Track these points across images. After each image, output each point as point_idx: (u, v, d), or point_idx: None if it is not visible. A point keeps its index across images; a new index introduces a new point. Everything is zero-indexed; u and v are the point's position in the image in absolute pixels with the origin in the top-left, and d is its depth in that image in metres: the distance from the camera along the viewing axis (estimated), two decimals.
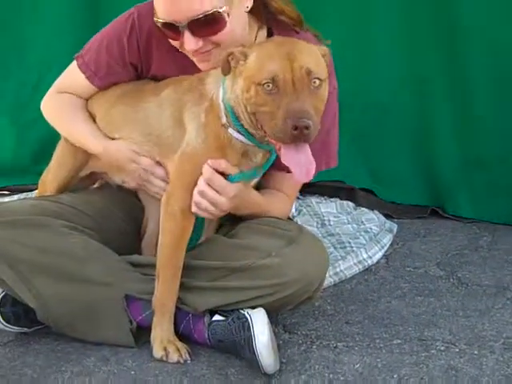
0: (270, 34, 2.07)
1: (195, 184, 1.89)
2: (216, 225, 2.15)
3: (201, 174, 1.88)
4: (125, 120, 2.10)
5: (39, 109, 2.23)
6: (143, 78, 2.16)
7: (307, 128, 1.68)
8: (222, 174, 1.89)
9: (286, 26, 2.04)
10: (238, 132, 1.87)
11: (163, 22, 1.92)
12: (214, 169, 1.87)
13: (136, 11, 2.09)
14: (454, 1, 2.92)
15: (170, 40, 1.99)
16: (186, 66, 2.02)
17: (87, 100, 2.20)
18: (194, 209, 1.90)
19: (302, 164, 1.77)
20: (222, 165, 1.88)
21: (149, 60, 2.11)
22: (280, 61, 1.73)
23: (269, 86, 1.73)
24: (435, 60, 3.01)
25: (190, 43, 1.92)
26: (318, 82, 1.74)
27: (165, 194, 1.95)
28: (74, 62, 2.17)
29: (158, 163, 2.03)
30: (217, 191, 1.88)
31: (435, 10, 2.95)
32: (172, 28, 1.92)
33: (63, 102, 2.19)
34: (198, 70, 2.01)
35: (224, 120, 1.88)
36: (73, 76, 2.18)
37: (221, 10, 1.88)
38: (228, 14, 1.90)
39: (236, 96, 1.83)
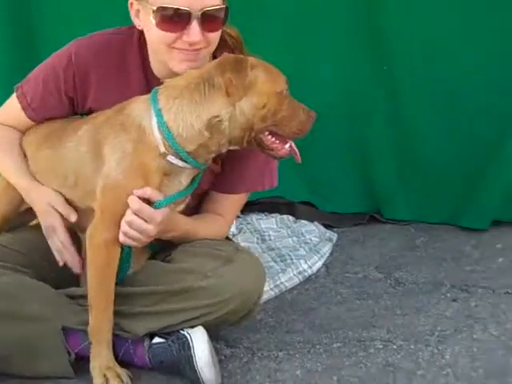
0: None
1: (119, 214, 1.90)
2: (149, 253, 2.17)
3: (123, 203, 1.88)
4: (47, 166, 2.10)
5: None
6: (79, 111, 2.16)
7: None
8: (148, 200, 1.91)
9: (227, 48, 2.08)
10: (179, 158, 1.89)
11: (175, 8, 1.89)
12: (139, 197, 1.89)
13: (74, 45, 2.11)
14: (381, 13, 3.01)
15: (165, 34, 1.93)
16: (128, 95, 2.01)
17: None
18: (121, 238, 1.91)
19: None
20: (148, 192, 1.89)
21: (85, 92, 2.11)
22: (275, 69, 1.92)
23: (287, 90, 1.91)
24: (365, 66, 3.08)
25: (195, 34, 1.91)
26: None
27: (89, 227, 1.95)
28: (14, 93, 2.17)
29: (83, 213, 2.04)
30: (144, 220, 1.90)
31: (363, 21, 3.03)
32: (180, 16, 1.90)
33: (1, 138, 2.19)
34: None
35: (162, 149, 1.88)
36: (10, 106, 2.19)
37: (225, 7, 1.96)
38: (225, 18, 1.98)
39: (233, 117, 1.85)
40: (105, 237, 1.92)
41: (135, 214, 1.89)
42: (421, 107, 3.09)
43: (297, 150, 1.98)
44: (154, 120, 1.89)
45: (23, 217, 2.28)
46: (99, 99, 2.11)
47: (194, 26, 1.91)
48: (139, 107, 1.93)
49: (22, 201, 2.19)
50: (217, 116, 1.86)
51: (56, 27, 3.01)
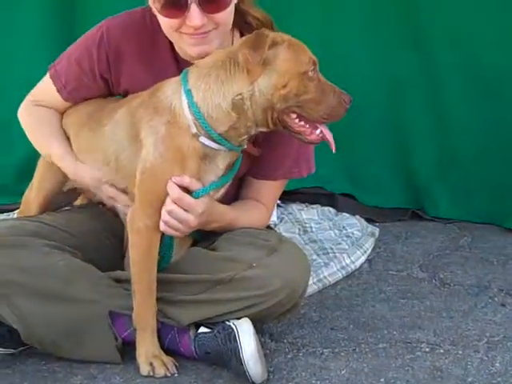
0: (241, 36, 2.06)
1: (158, 199, 1.88)
2: (191, 241, 2.15)
3: (161, 188, 1.87)
4: (88, 147, 2.09)
5: (21, 128, 2.22)
6: (114, 91, 2.14)
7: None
8: (186, 189, 1.89)
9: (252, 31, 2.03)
10: (212, 140, 1.87)
11: None
12: (178, 185, 1.87)
13: (105, 24, 2.09)
14: (420, 2, 2.95)
15: (168, 20, 1.92)
16: (160, 76, 1.99)
17: (63, 114, 2.20)
18: (162, 227, 1.90)
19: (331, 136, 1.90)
20: (186, 180, 1.87)
21: (118, 73, 2.10)
22: (307, 49, 1.84)
23: (313, 72, 1.82)
24: (406, 60, 3.03)
25: (196, 18, 1.88)
26: None
27: (130, 212, 1.94)
28: (48, 73, 2.16)
29: (124, 191, 2.02)
30: (185, 209, 1.88)
31: (402, 8, 2.98)
32: (178, 2, 1.88)
33: (39, 117, 2.18)
34: None
35: (194, 129, 1.86)
36: (46, 87, 2.17)
37: None
38: None
39: (254, 96, 1.80)
40: (145, 222, 1.91)
41: (175, 204, 1.87)
42: (464, 102, 3.04)
43: (330, 137, 1.88)
44: (185, 101, 1.87)
45: (67, 197, 2.28)
46: (132, 79, 2.08)
47: (194, 9, 1.88)
48: (171, 88, 1.91)
49: (65, 180, 2.19)
50: (239, 94, 1.82)
51: (97, 6, 2.99)
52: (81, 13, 3.05)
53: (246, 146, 1.96)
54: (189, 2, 1.88)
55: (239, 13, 2.03)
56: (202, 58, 1.92)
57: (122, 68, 2.09)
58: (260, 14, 2.06)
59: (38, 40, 3.07)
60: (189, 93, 1.87)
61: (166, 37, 2.04)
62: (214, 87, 1.85)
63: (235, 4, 2.00)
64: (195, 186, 1.89)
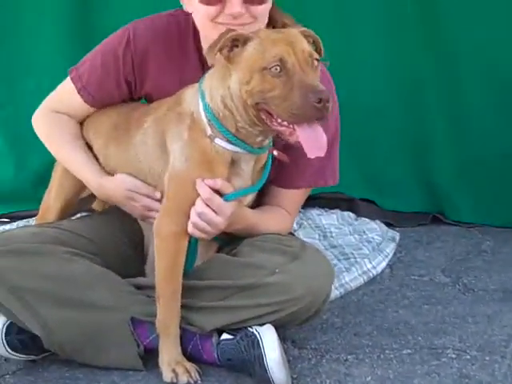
0: None
1: (186, 205, 1.87)
2: (216, 247, 2.13)
3: (189, 193, 1.86)
4: (118, 161, 2.08)
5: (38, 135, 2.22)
6: (136, 95, 2.13)
7: (328, 101, 1.68)
8: (217, 192, 1.88)
9: None
10: (227, 141, 1.86)
11: None
12: (209, 186, 1.86)
13: (132, 27, 2.08)
14: (440, 1, 2.92)
15: (207, 7, 1.91)
16: (185, 80, 1.99)
17: (81, 123, 2.19)
18: (190, 229, 1.89)
19: (318, 140, 1.76)
20: (219, 183, 1.86)
21: (143, 76, 2.09)
22: (283, 44, 1.74)
23: (277, 68, 1.72)
24: (425, 63, 3.01)
25: (236, 5, 1.88)
26: (316, 63, 1.77)
27: (157, 218, 1.93)
28: (68, 76, 2.15)
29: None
30: (214, 211, 1.87)
31: (421, 11, 2.95)
32: None
33: (58, 125, 2.17)
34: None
35: (209, 131, 1.86)
36: (64, 90, 2.16)
37: None
38: None
39: (230, 93, 1.80)
40: (172, 228, 1.90)
41: (205, 205, 1.86)
42: (484, 105, 3.01)
43: (310, 140, 1.74)
44: (201, 103, 1.87)
45: (86, 201, 2.28)
46: (157, 82, 2.08)
47: None
48: (191, 93, 1.92)
49: (83, 187, 2.18)
50: (223, 91, 1.82)
51: (114, 13, 3.00)
52: (98, 21, 3.06)
53: (275, 153, 1.93)
54: None
55: (269, 18, 2.01)
56: None
57: (148, 71, 2.08)
58: (289, 19, 2.04)
59: (55, 51, 3.07)
60: (202, 94, 1.87)
61: (193, 41, 2.04)
62: (214, 85, 1.85)
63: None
64: (227, 189, 1.88)
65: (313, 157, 1.76)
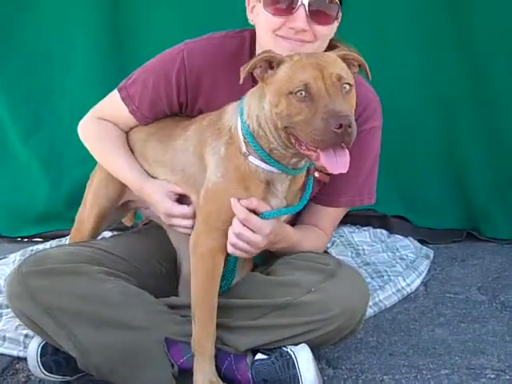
0: None
1: (221, 221, 1.87)
2: (251, 264, 2.13)
3: (225, 209, 1.86)
4: (157, 158, 2.10)
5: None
6: (187, 114, 2.15)
7: (350, 126, 1.65)
8: (254, 211, 1.87)
9: None
10: (261, 159, 1.85)
11: None
12: (245, 206, 1.85)
13: (186, 48, 2.09)
14: (473, 18, 2.90)
15: (273, 17, 1.93)
16: (237, 97, 1.97)
17: (127, 132, 2.22)
18: (230, 250, 1.89)
19: (339, 162, 1.71)
20: (254, 202, 1.86)
21: (195, 98, 2.11)
22: (311, 69, 1.73)
23: (302, 93, 1.71)
24: (459, 79, 2.99)
25: (300, 19, 1.91)
26: (348, 87, 1.74)
27: (192, 235, 1.93)
28: (116, 93, 2.17)
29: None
30: (252, 231, 1.87)
31: (455, 28, 2.93)
32: (289, 2, 1.92)
33: (105, 130, 2.19)
34: None
35: (244, 149, 1.86)
36: (115, 107, 2.18)
37: (338, 3, 1.95)
38: (337, 16, 1.96)
39: (264, 114, 1.80)
40: (209, 245, 1.89)
41: (243, 225, 1.85)
42: None
43: (332, 164, 1.70)
44: (239, 120, 1.87)
45: (120, 212, 2.31)
46: (209, 103, 2.09)
47: (300, 11, 1.91)
48: (232, 109, 1.93)
49: (120, 196, 2.20)
50: (259, 111, 1.83)
51: (144, 36, 3.03)
52: (129, 44, 3.09)
53: (317, 175, 1.94)
54: (299, 4, 1.91)
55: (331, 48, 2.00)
56: None
57: (201, 92, 2.10)
58: (339, 41, 2.06)
59: (87, 75, 3.11)
60: (241, 111, 1.88)
61: (248, 59, 2.04)
62: (252, 104, 1.85)
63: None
64: (263, 208, 1.87)
65: (335, 173, 1.72)
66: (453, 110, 3.04)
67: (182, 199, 2.05)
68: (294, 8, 1.92)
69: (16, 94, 3.11)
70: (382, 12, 2.98)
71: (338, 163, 1.70)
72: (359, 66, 1.83)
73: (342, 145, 1.69)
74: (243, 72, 1.79)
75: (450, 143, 3.09)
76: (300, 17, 1.91)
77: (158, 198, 2.06)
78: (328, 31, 1.97)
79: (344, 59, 1.81)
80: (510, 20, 2.88)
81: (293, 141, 1.77)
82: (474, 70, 2.96)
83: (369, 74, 1.84)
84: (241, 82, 1.81)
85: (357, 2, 2.93)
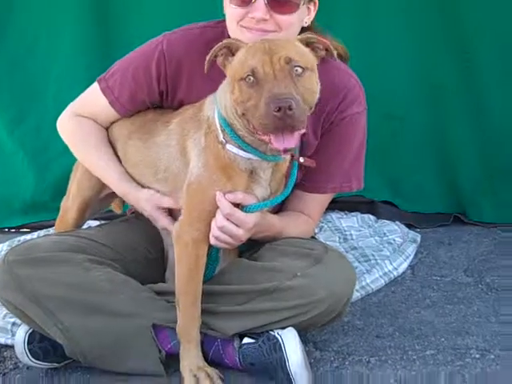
0: None
1: (205, 211, 1.88)
2: (237, 250, 2.13)
3: (208, 200, 1.86)
4: (137, 159, 2.10)
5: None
6: (167, 104, 2.14)
7: (290, 108, 1.65)
8: (239, 204, 1.88)
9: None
10: (238, 147, 1.86)
11: None
12: (230, 201, 1.86)
13: (165, 39, 2.09)
14: (464, 6, 2.90)
15: (234, 9, 1.95)
16: (217, 87, 1.97)
17: (107, 128, 2.21)
18: (212, 241, 1.90)
19: (287, 140, 1.71)
20: (239, 196, 1.86)
21: (175, 87, 2.10)
22: (260, 54, 1.74)
23: (250, 78, 1.72)
24: (447, 66, 2.99)
25: (260, 9, 1.91)
26: (300, 69, 1.73)
27: (176, 225, 1.94)
28: (96, 85, 2.16)
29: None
30: (236, 224, 1.87)
31: (443, 17, 2.93)
32: None
33: (83, 128, 2.18)
34: None
35: (221, 137, 1.86)
36: (94, 99, 2.18)
37: None
38: (300, 4, 1.94)
39: (227, 102, 1.82)
40: (192, 235, 1.90)
41: (226, 219, 1.86)
42: (506, 104, 2.98)
43: (279, 142, 1.70)
44: (216, 110, 1.88)
45: (103, 203, 2.32)
46: (190, 91, 2.08)
47: (259, 1, 1.91)
48: (209, 99, 1.93)
49: (103, 187, 2.21)
50: (225, 100, 1.84)
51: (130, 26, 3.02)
52: (115, 34, 3.07)
53: (302, 160, 1.93)
54: None
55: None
56: None
57: (181, 81, 2.10)
58: (341, 48, 2.07)
59: (72, 66, 3.09)
60: (216, 101, 1.88)
61: None
62: (222, 94, 1.87)
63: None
64: (249, 201, 1.88)
65: (281, 148, 1.71)
66: (441, 96, 3.04)
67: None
68: (250, 1, 1.92)
69: (1, 85, 3.10)
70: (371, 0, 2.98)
71: (285, 140, 1.70)
72: (326, 50, 1.83)
73: (290, 129, 1.69)
74: (207, 61, 1.81)
75: (438, 129, 3.10)
76: (259, 6, 1.91)
77: (144, 206, 2.08)
78: (292, 20, 1.95)
79: (308, 43, 1.81)
80: (501, 8, 2.88)
81: (250, 127, 1.78)
82: (463, 57, 2.96)
83: (335, 56, 1.84)
84: (205, 71, 1.82)
85: None
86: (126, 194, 2.12)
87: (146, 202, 2.06)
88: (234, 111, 1.80)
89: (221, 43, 1.81)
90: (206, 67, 1.82)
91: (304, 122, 1.71)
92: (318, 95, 1.80)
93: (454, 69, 2.98)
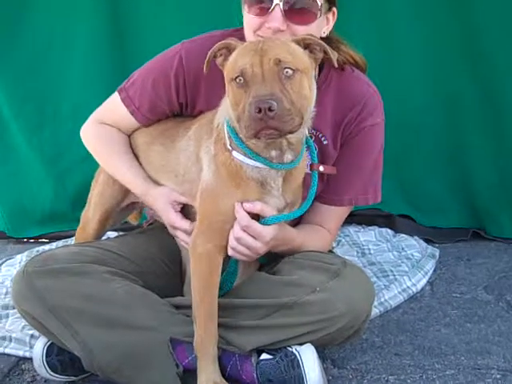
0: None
1: (218, 220, 1.87)
2: (257, 263, 2.12)
3: (220, 209, 1.85)
4: (160, 161, 2.11)
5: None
6: (187, 113, 2.15)
7: (270, 109, 1.63)
8: (258, 215, 1.86)
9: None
10: (245, 155, 1.84)
11: None
12: (248, 212, 1.85)
13: (184, 48, 2.09)
14: (479, 14, 2.87)
15: (252, 18, 1.94)
16: None
17: (129, 136, 2.22)
18: (230, 252, 1.89)
19: None
20: (257, 207, 1.85)
21: (195, 97, 2.11)
22: (251, 55, 1.72)
23: (240, 79, 1.72)
24: (464, 77, 2.97)
25: (276, 20, 1.91)
26: (290, 71, 1.71)
27: (191, 237, 1.93)
28: (117, 95, 2.17)
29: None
30: (253, 237, 1.86)
31: (461, 25, 2.91)
32: (264, 2, 1.92)
33: (107, 135, 2.20)
34: None
35: (228, 144, 1.86)
36: (115, 109, 2.19)
37: (318, 3, 1.92)
38: (318, 14, 1.93)
39: (229, 106, 1.81)
40: (207, 246, 1.89)
41: (244, 231, 1.85)
42: None
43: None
44: (225, 117, 1.87)
45: (124, 212, 2.32)
46: (209, 102, 2.08)
47: (276, 11, 1.90)
48: (221, 108, 1.93)
49: (124, 196, 2.21)
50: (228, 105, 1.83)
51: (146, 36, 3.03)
52: (130, 44, 3.09)
53: (322, 169, 1.94)
54: (274, 3, 1.90)
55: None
56: None
57: (200, 91, 2.10)
58: (359, 57, 2.07)
59: (89, 75, 3.10)
60: (225, 108, 1.88)
61: None
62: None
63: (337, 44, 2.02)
64: (268, 212, 1.86)
65: None
66: (458, 108, 3.02)
67: (186, 208, 2.05)
68: (269, 8, 1.91)
69: (19, 93, 3.12)
70: (387, 9, 2.97)
71: None
72: (325, 52, 1.81)
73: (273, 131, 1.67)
74: (206, 62, 1.82)
75: (455, 141, 3.08)
76: (276, 17, 1.91)
77: (161, 206, 2.07)
78: (310, 31, 1.92)
79: (306, 45, 1.80)
80: None
81: (243, 132, 1.75)
82: (479, 68, 2.93)
83: (334, 61, 1.81)
84: (205, 72, 1.82)
85: (362, 0, 2.95)
86: (145, 193, 2.11)
87: (162, 196, 2.06)
88: (231, 114, 1.80)
89: (219, 43, 1.81)
90: (205, 68, 1.82)
91: (291, 124, 1.68)
92: (312, 99, 1.78)
93: (470, 79, 2.96)
